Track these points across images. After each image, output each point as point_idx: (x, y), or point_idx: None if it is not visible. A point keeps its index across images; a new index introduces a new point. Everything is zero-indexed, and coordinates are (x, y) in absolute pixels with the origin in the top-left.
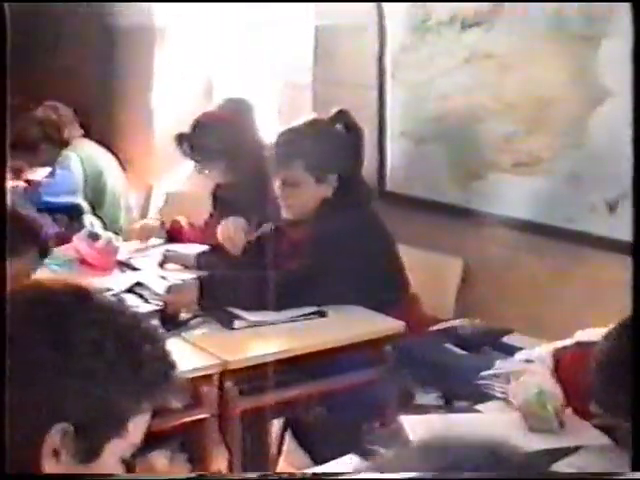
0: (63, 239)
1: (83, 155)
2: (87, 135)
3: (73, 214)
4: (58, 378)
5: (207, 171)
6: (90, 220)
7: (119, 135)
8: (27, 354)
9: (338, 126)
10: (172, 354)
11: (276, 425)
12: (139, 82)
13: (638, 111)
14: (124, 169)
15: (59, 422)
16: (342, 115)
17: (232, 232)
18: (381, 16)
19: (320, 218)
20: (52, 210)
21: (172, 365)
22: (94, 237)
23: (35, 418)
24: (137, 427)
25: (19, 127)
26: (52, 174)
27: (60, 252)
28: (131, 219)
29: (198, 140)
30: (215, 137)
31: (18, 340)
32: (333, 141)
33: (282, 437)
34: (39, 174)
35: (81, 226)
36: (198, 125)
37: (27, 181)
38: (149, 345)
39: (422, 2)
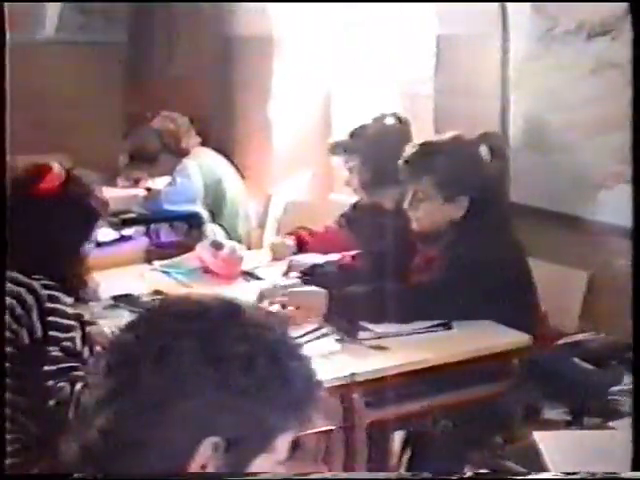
0: (185, 247)
1: (202, 163)
2: (205, 144)
3: (192, 222)
4: (210, 392)
5: (357, 180)
6: (213, 229)
7: (237, 144)
8: (180, 367)
9: (482, 148)
10: (317, 372)
11: (397, 436)
12: (257, 91)
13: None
14: (242, 177)
15: (211, 436)
16: (488, 137)
17: None
18: (505, 25)
19: (451, 237)
20: (171, 218)
21: (318, 383)
22: (218, 246)
23: (187, 431)
24: (284, 444)
25: (138, 139)
26: (172, 183)
27: (184, 261)
28: (249, 228)
29: (354, 148)
30: (372, 147)
31: (171, 353)
32: (471, 162)
33: (403, 449)
34: (159, 183)
35: (200, 234)
36: (356, 134)
37: (147, 189)
38: (296, 362)
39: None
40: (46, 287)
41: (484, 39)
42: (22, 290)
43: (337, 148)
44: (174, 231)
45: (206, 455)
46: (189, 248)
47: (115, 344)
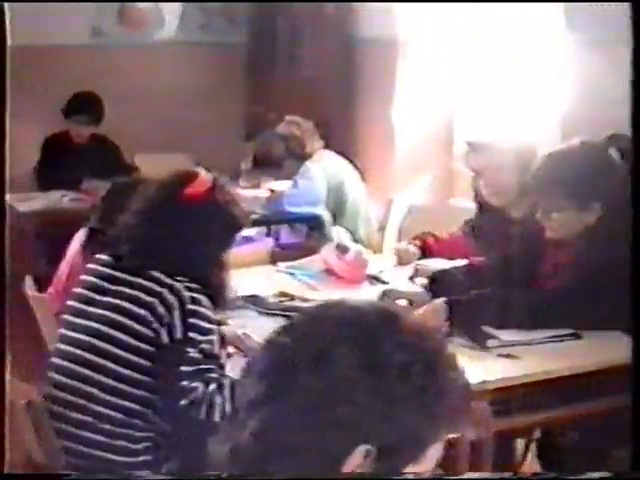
0: (307, 249)
1: (325, 166)
2: (328, 147)
3: (313, 224)
4: (365, 399)
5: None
6: (338, 232)
7: (360, 147)
8: (335, 373)
9: (611, 151)
10: (471, 383)
11: (519, 445)
12: (380, 94)
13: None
14: (364, 181)
15: (364, 443)
16: (617, 139)
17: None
18: (638, 28)
19: (584, 242)
20: (292, 220)
21: (471, 393)
22: (344, 249)
23: (340, 437)
24: (434, 454)
25: (263, 144)
26: (295, 185)
27: (308, 263)
28: (370, 231)
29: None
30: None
31: (327, 358)
32: (602, 167)
33: (524, 457)
34: (281, 185)
35: (321, 237)
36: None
37: (270, 191)
38: (452, 372)
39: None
40: (189, 289)
41: (614, 44)
42: (165, 290)
43: (467, 155)
44: (294, 233)
45: (357, 462)
46: (311, 250)
47: (271, 347)
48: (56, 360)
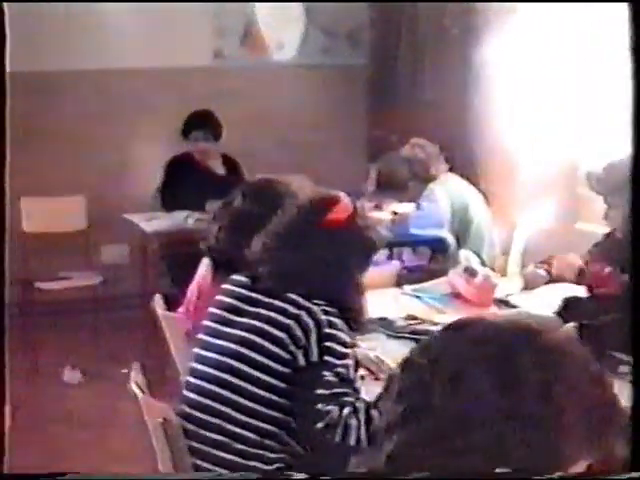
0: (432, 272)
1: (450, 189)
2: (452, 170)
3: (438, 247)
4: (501, 422)
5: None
6: (467, 256)
7: (484, 170)
8: (471, 394)
9: None
10: (620, 400)
11: None
12: (503, 118)
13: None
14: (488, 204)
15: (502, 467)
16: None
17: None
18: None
19: None
20: (416, 243)
21: (623, 412)
22: (472, 273)
23: (476, 461)
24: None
25: (387, 167)
26: (419, 207)
27: (435, 286)
28: (494, 254)
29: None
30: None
31: (463, 378)
32: None
33: None
34: (405, 207)
35: (445, 259)
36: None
37: (394, 213)
38: (598, 389)
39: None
40: (326, 312)
41: None
42: (302, 313)
43: (592, 180)
44: (417, 255)
45: None
46: (436, 273)
47: (407, 368)
48: (191, 379)
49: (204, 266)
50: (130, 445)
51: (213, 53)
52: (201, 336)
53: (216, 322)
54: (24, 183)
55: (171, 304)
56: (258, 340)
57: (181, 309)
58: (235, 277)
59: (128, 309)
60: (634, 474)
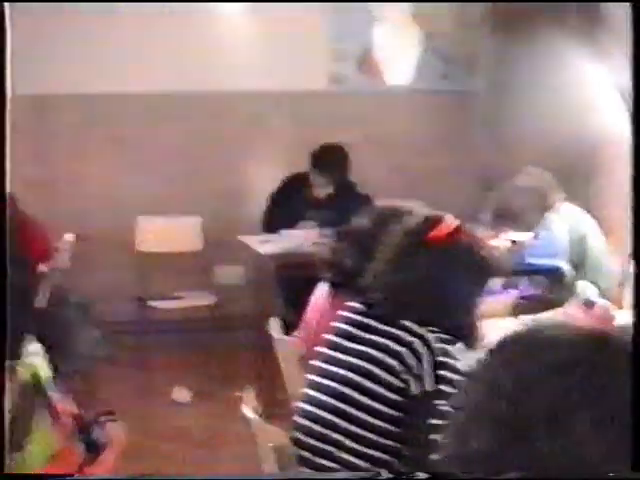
0: (547, 302)
1: (566, 219)
2: (569, 199)
3: (554, 277)
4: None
5: None
6: (583, 286)
7: (600, 200)
8: (542, 402)
9: None
10: None
11: None
12: (619, 147)
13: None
14: (605, 234)
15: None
16: None
17: None
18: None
19: None
20: (532, 272)
21: None
22: (589, 305)
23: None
24: None
25: (504, 196)
26: (536, 236)
27: (551, 317)
28: (611, 286)
29: None
30: None
31: (533, 385)
32: None
33: None
34: (523, 236)
35: (562, 290)
36: None
37: (512, 242)
38: None
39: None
40: (440, 340)
41: None
42: (416, 340)
43: None
44: (533, 285)
45: None
46: (552, 303)
47: (479, 374)
48: (304, 405)
49: (321, 291)
50: (239, 467)
51: (329, 77)
52: (316, 362)
53: (332, 349)
54: (141, 203)
55: (285, 328)
56: (371, 367)
57: (297, 333)
58: (352, 303)
59: (240, 331)
60: (634, 474)
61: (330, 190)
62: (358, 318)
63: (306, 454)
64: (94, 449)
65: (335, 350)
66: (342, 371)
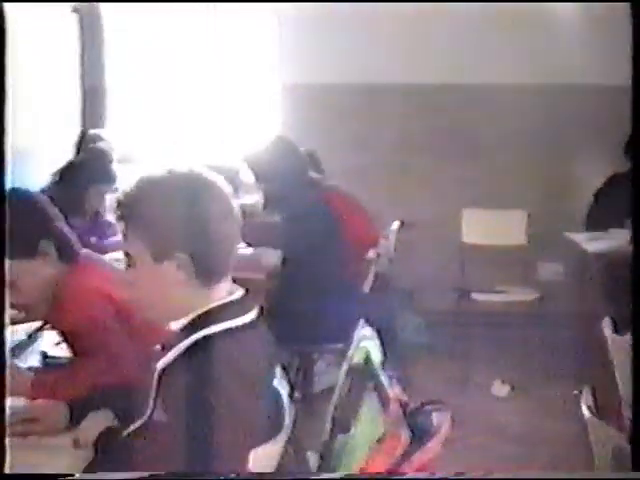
0: None
1: None
2: None
3: None
4: None
5: None
6: None
7: None
8: None
9: None
10: None
11: None
12: None
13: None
14: None
15: None
16: None
17: None
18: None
19: None
20: None
21: None
22: None
23: None
24: None
25: None
26: None
27: None
28: None
29: None
30: None
31: None
32: None
33: None
34: None
35: None
36: None
37: None
38: None
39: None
40: None
41: None
42: None
43: None
44: None
45: None
46: None
47: None
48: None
49: None
50: (551, 467)
51: None
52: None
53: None
54: (470, 195)
55: (615, 327)
56: None
57: None
58: None
59: (561, 328)
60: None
61: None
62: None
63: None
64: (420, 437)
65: None
66: None
